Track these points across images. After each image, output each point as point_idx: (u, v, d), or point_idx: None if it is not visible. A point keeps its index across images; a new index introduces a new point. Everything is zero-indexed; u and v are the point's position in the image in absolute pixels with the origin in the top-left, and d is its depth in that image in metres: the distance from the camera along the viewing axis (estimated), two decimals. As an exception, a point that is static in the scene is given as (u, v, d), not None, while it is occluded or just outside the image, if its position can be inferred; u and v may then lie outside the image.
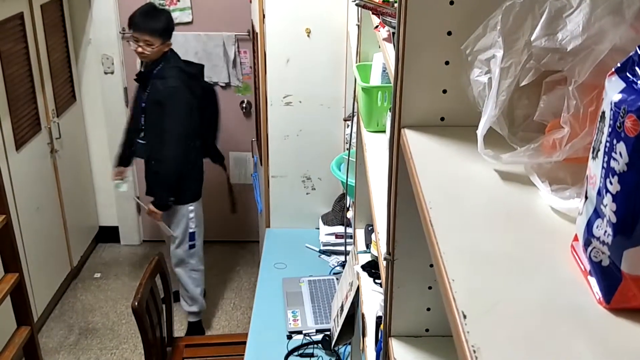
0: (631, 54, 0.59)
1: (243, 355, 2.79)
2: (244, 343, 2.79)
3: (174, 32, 4.32)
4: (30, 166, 3.68)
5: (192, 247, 3.74)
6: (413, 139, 0.99)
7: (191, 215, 3.66)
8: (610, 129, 0.58)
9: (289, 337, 2.69)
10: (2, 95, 3.35)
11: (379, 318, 1.66)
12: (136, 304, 2.65)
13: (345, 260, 2.86)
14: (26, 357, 3.01)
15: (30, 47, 3.63)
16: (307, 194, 3.60)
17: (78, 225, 4.39)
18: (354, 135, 2.62)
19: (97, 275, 4.50)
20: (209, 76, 4.40)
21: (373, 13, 1.71)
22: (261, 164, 3.67)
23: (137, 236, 4.88)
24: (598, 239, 0.61)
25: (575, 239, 0.68)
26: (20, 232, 3.47)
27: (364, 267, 2.16)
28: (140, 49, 3.41)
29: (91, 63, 4.37)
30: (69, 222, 4.20)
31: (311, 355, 2.59)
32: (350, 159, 2.61)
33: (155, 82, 3.43)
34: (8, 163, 3.39)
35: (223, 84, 4.45)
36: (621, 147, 0.55)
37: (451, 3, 0.96)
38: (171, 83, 3.38)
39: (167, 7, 4.25)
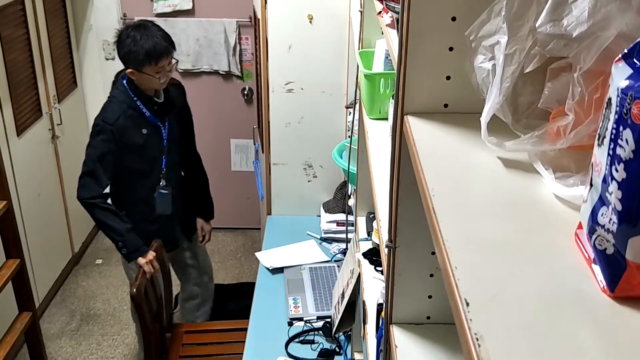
0: (638, 39, 0.58)
1: (244, 341, 2.80)
2: (245, 330, 2.80)
3: (175, 18, 4.32)
4: (32, 152, 3.68)
5: None
6: (416, 126, 0.98)
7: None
8: (616, 116, 0.57)
9: (290, 324, 2.70)
10: (3, 81, 3.34)
11: (380, 305, 1.65)
12: (134, 290, 2.65)
13: (347, 248, 2.86)
14: (28, 343, 3.03)
15: (31, 33, 3.62)
16: (308, 181, 3.60)
17: (79, 211, 4.35)
18: (356, 122, 2.61)
19: (99, 261, 4.51)
20: (209, 64, 4.39)
21: (376, -1, 1.70)
22: (262, 151, 3.67)
23: (139, 223, 4.89)
24: (603, 226, 0.60)
25: (579, 226, 0.67)
26: (22, 218, 3.47)
27: (365, 255, 2.16)
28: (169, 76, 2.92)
29: (92, 49, 4.36)
30: (70, 209, 4.20)
31: (312, 342, 2.60)
32: (352, 146, 2.60)
33: (174, 102, 3.03)
34: (9, 149, 3.39)
35: (223, 72, 4.43)
36: (627, 134, 0.55)
37: (455, -12, 0.95)
38: (183, 91, 3.16)
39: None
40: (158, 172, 3.00)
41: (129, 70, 2.84)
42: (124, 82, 2.90)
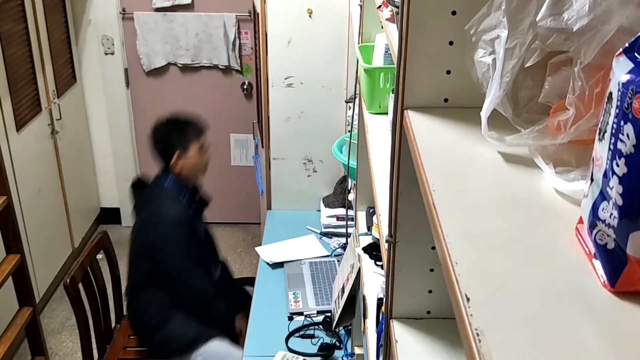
0: (639, 33, 0.58)
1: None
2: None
3: (174, 12, 4.31)
4: (31, 147, 3.67)
5: None
6: (416, 121, 0.98)
7: None
8: (617, 110, 0.57)
9: (290, 319, 2.70)
10: (2, 76, 3.33)
11: (380, 300, 1.66)
12: (68, 281, 2.61)
13: (347, 243, 2.86)
14: (28, 338, 3.03)
15: (30, 28, 3.61)
16: (308, 176, 3.59)
17: (79, 206, 4.39)
18: (355, 117, 2.61)
19: (99, 256, 4.50)
20: (209, 58, 4.38)
21: (376, -7, 1.69)
22: (262, 146, 3.67)
23: (139, 218, 4.89)
24: (603, 221, 0.60)
25: (580, 221, 0.67)
26: (22, 214, 3.47)
27: (365, 250, 2.16)
28: None
29: (91, 44, 4.35)
30: (70, 204, 4.20)
31: (312, 336, 2.60)
32: (352, 141, 2.60)
33: (202, 197, 2.98)
34: (9, 144, 3.39)
35: (223, 67, 4.42)
36: (628, 128, 0.55)
37: (455, -18, 0.94)
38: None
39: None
40: (209, 262, 2.97)
41: (174, 158, 2.76)
42: (167, 180, 2.79)
